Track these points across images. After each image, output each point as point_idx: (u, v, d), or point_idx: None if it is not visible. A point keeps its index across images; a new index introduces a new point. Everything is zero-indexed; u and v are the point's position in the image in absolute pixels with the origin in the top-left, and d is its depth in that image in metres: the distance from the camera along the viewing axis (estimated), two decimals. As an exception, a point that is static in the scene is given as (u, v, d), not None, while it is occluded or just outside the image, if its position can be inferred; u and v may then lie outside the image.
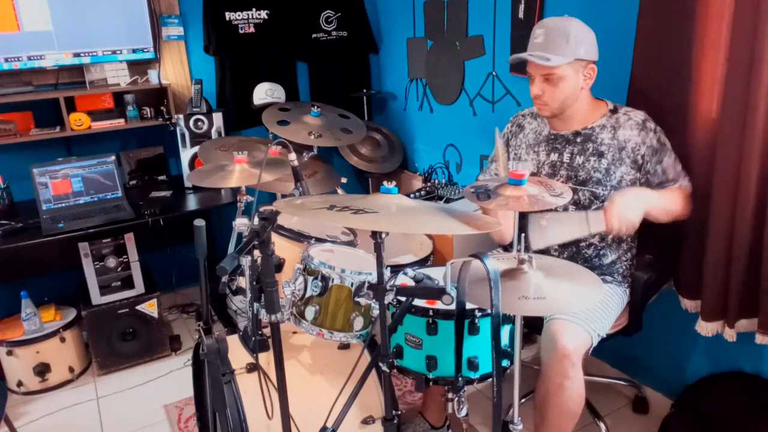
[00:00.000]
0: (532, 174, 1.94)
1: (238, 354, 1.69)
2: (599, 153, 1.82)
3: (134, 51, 2.92)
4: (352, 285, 1.52)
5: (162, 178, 3.15)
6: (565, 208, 1.88)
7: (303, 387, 1.66)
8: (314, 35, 3.47)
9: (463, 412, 1.52)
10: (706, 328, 1.86)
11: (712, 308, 1.83)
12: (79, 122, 2.79)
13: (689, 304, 1.95)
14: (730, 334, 1.82)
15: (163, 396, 2.52)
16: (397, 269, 1.58)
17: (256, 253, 1.32)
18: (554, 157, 1.91)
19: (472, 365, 1.54)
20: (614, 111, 1.85)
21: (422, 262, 2.23)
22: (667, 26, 1.85)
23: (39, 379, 2.58)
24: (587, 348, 1.74)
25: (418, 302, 1.56)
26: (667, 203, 1.77)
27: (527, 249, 1.69)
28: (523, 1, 2.51)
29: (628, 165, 1.80)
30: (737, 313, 1.79)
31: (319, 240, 1.83)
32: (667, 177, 1.80)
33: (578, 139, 1.87)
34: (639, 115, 1.81)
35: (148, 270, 2.80)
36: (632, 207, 1.67)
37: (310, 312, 1.53)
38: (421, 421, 2.11)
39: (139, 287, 2.71)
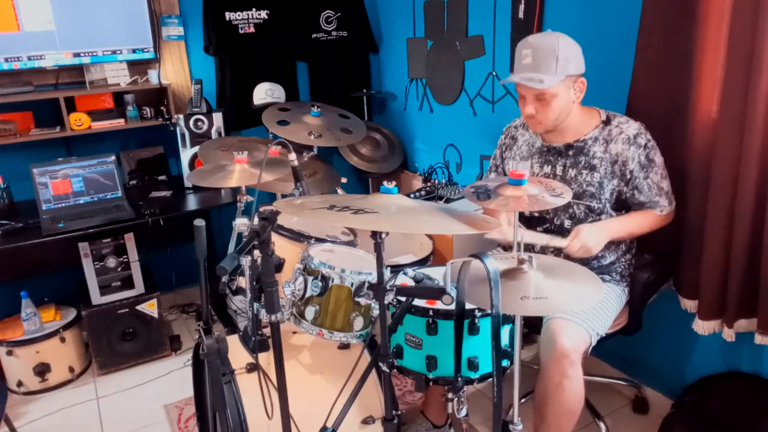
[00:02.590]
0: None
1: (238, 354, 1.69)
2: (591, 166, 1.82)
3: (134, 51, 2.92)
4: (352, 285, 1.52)
5: (162, 178, 3.15)
6: (562, 222, 1.89)
7: (303, 387, 1.66)
8: (314, 35, 3.47)
9: (463, 413, 1.52)
10: (702, 327, 1.86)
11: (711, 308, 1.84)
12: (79, 122, 2.79)
13: (689, 304, 1.95)
14: (728, 334, 1.82)
15: (163, 396, 2.51)
16: (397, 269, 1.58)
17: (256, 253, 1.32)
18: (547, 169, 1.91)
19: (472, 365, 1.54)
20: (607, 122, 1.83)
21: (422, 262, 2.23)
22: (669, 27, 1.85)
23: (39, 379, 2.58)
24: (586, 347, 1.74)
25: (418, 302, 1.56)
26: (634, 229, 1.83)
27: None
28: (523, 1, 2.51)
29: (619, 178, 1.80)
30: (736, 313, 1.79)
31: (319, 240, 1.83)
32: (652, 193, 1.80)
33: (570, 152, 1.86)
34: (632, 129, 1.78)
35: (148, 270, 2.80)
36: (595, 240, 1.74)
37: (310, 312, 1.53)
38: (422, 420, 2.11)
39: (139, 287, 2.71)
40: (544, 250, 1.93)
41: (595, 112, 1.87)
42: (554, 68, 1.70)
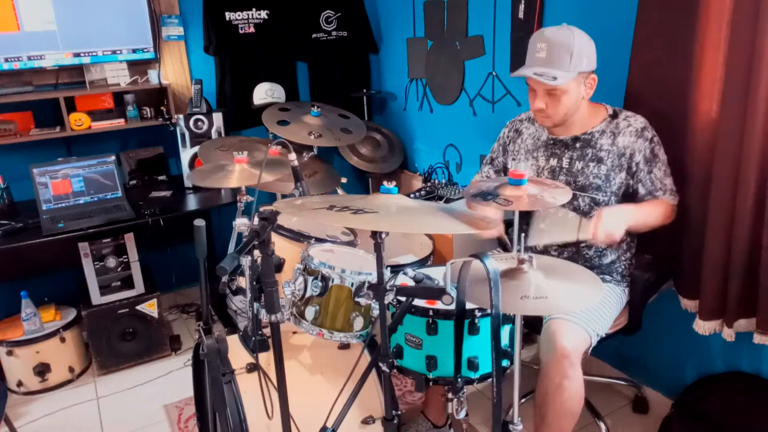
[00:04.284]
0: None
1: (238, 354, 1.69)
2: (598, 159, 1.82)
3: (134, 51, 2.92)
4: (352, 285, 1.52)
5: (162, 178, 3.15)
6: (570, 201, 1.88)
7: (303, 387, 1.66)
8: (314, 35, 3.47)
9: (463, 413, 1.52)
10: (703, 326, 1.86)
11: (711, 307, 1.84)
12: (79, 122, 2.79)
13: (689, 304, 1.95)
14: (728, 334, 1.82)
15: (163, 396, 2.52)
16: (397, 269, 1.59)
17: (256, 253, 1.32)
18: (553, 162, 1.91)
19: (472, 365, 1.54)
20: (614, 116, 1.84)
21: (422, 262, 2.23)
22: (666, 26, 1.85)
23: (39, 379, 2.58)
24: (586, 348, 1.74)
25: (418, 302, 1.56)
26: (648, 217, 1.78)
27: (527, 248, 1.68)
28: (523, 1, 2.51)
29: (626, 171, 1.80)
30: (736, 313, 1.79)
31: (319, 240, 1.83)
32: (654, 187, 1.80)
33: (577, 145, 1.86)
34: (639, 122, 1.80)
35: (148, 270, 2.80)
36: (617, 224, 1.67)
37: (310, 312, 1.53)
38: (422, 420, 2.11)
39: (139, 287, 2.71)
40: (549, 249, 1.93)
41: (602, 107, 1.88)
42: (568, 64, 1.70)
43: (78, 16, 2.75)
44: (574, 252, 1.92)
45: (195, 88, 2.91)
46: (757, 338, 1.74)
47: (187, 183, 3.00)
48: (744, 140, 1.64)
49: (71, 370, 2.66)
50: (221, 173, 2.07)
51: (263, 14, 3.28)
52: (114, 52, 2.87)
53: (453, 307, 1.45)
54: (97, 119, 2.85)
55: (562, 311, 1.70)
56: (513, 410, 1.51)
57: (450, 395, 1.56)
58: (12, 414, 2.42)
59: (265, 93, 3.16)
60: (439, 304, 1.44)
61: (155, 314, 2.74)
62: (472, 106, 2.99)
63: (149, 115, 2.98)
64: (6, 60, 2.66)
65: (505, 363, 1.60)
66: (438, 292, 1.31)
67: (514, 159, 2.03)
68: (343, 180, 2.87)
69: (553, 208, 1.82)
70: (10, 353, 2.53)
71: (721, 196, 1.73)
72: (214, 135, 2.96)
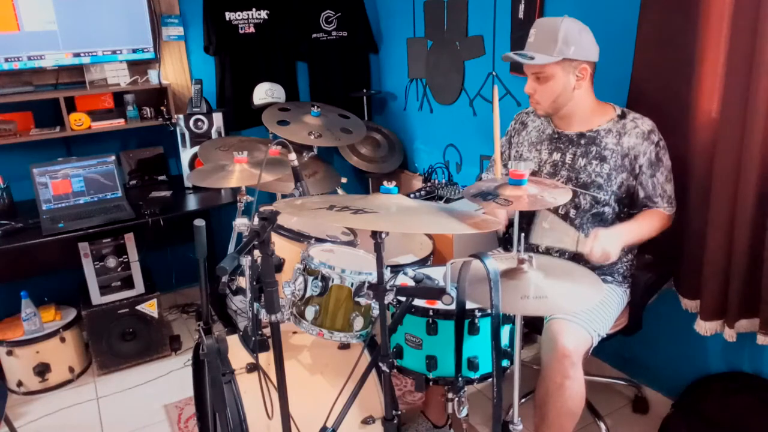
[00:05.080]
0: (533, 173, 1.95)
1: (238, 354, 1.69)
2: (602, 157, 1.82)
3: (134, 51, 2.92)
4: (352, 285, 1.52)
5: (162, 178, 3.15)
6: (566, 211, 1.88)
7: (303, 387, 1.66)
8: (314, 35, 3.47)
9: (464, 413, 1.52)
10: (704, 327, 1.86)
11: (712, 308, 1.84)
12: (79, 122, 2.79)
13: (689, 304, 1.95)
14: (729, 334, 1.82)
15: (163, 396, 2.52)
16: (397, 269, 1.59)
17: (256, 253, 1.32)
18: (556, 156, 1.91)
19: (472, 365, 1.54)
20: (622, 116, 1.84)
21: (422, 262, 2.23)
22: (668, 26, 1.85)
23: (39, 379, 2.58)
24: (588, 348, 1.74)
25: (418, 302, 1.56)
26: (643, 233, 1.81)
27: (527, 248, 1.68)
28: (523, 1, 2.51)
29: (628, 172, 1.80)
30: (737, 313, 1.79)
31: (319, 240, 1.83)
32: (654, 193, 1.81)
33: (582, 141, 1.87)
34: (646, 125, 1.80)
35: (148, 270, 2.80)
36: (613, 244, 1.70)
37: (310, 312, 1.53)
38: (422, 420, 2.11)
39: (139, 287, 2.71)
40: (551, 251, 1.93)
41: (610, 106, 1.88)
42: (552, 49, 1.73)
43: (78, 16, 2.75)
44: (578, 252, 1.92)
45: (195, 88, 2.91)
46: (761, 339, 1.74)
47: (187, 183, 3.00)
48: (744, 140, 1.64)
49: (71, 370, 2.66)
50: (221, 173, 2.07)
51: (263, 14, 3.28)
52: (114, 52, 2.87)
53: (453, 307, 1.45)
54: (97, 119, 2.85)
55: (561, 311, 1.70)
56: (513, 410, 1.51)
57: (450, 395, 1.56)
58: (12, 414, 2.42)
59: (265, 93, 3.16)
60: (439, 304, 1.44)
61: (155, 314, 2.74)
62: (472, 106, 2.99)
63: (149, 115, 2.97)
64: (6, 60, 2.66)
65: (505, 363, 1.60)
66: (438, 292, 1.31)
67: (517, 152, 2.03)
68: (343, 180, 2.87)
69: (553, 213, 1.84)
70: (10, 353, 2.53)
71: (722, 196, 1.73)
72: (214, 135, 2.96)
